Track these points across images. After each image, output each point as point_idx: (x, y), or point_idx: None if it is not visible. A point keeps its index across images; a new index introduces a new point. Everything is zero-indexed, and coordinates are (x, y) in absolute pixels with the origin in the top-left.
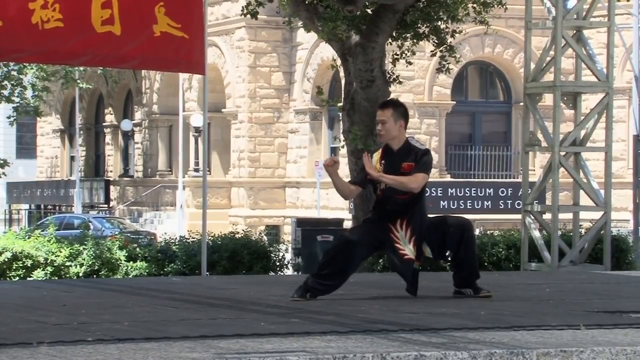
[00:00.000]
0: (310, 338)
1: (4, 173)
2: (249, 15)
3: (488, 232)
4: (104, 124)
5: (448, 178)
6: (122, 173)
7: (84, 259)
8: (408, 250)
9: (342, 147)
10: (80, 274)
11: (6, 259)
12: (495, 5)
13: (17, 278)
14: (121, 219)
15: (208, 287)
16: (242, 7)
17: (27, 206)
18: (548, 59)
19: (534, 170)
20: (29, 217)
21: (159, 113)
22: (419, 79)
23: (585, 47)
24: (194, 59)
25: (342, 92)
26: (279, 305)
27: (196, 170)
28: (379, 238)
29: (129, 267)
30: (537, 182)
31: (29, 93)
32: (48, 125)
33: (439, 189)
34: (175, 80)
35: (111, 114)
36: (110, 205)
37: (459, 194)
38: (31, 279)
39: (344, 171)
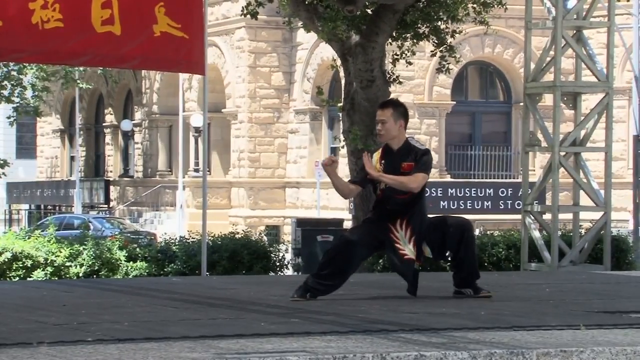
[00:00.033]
0: (310, 338)
1: (4, 173)
2: (249, 15)
3: (488, 232)
4: (104, 124)
5: (448, 178)
6: (122, 173)
7: (84, 259)
8: (408, 250)
9: (342, 147)
10: (80, 274)
11: (6, 259)
12: (495, 5)
13: (17, 278)
14: (121, 219)
15: (208, 287)
16: (242, 7)
17: (27, 206)
18: (548, 59)
19: (534, 170)
20: (29, 217)
21: (159, 113)
22: (419, 79)
23: (585, 47)
24: (194, 59)
25: (342, 92)
26: (279, 305)
27: (196, 170)
28: (379, 238)
29: (129, 267)
30: (537, 182)
31: (29, 93)
32: (48, 125)
33: (439, 189)
34: (175, 80)
35: (111, 114)
36: (110, 206)
37: (459, 194)
38: (31, 279)
39: (344, 171)
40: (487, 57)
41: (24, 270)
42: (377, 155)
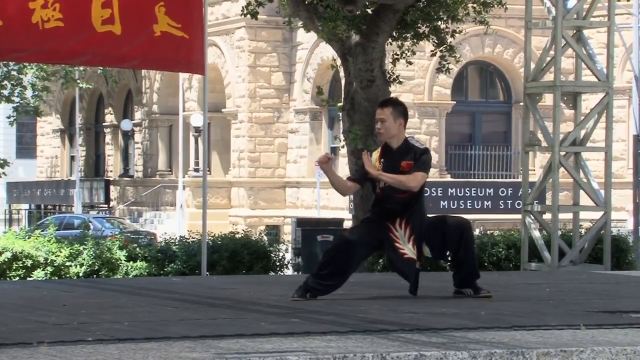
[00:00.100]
0: (310, 338)
1: (4, 173)
2: (249, 15)
3: (488, 232)
4: (104, 123)
5: (448, 178)
6: (122, 173)
7: (84, 259)
8: (407, 249)
9: (342, 147)
10: (80, 274)
11: (6, 259)
12: (495, 5)
13: (17, 278)
14: (121, 219)
15: (208, 287)
16: (242, 7)
17: (27, 206)
18: (548, 59)
19: (534, 170)
20: (29, 217)
21: (159, 113)
22: (419, 79)
23: (585, 47)
24: (194, 59)
25: (342, 92)
26: (279, 305)
27: (196, 170)
28: (378, 238)
29: (129, 267)
30: (537, 182)
31: (29, 93)
32: (48, 125)
33: (439, 189)
34: (175, 80)
35: (111, 114)
36: (110, 205)
37: (459, 194)
38: (31, 279)
39: (345, 171)
40: (487, 57)
41: (24, 270)
42: (376, 154)
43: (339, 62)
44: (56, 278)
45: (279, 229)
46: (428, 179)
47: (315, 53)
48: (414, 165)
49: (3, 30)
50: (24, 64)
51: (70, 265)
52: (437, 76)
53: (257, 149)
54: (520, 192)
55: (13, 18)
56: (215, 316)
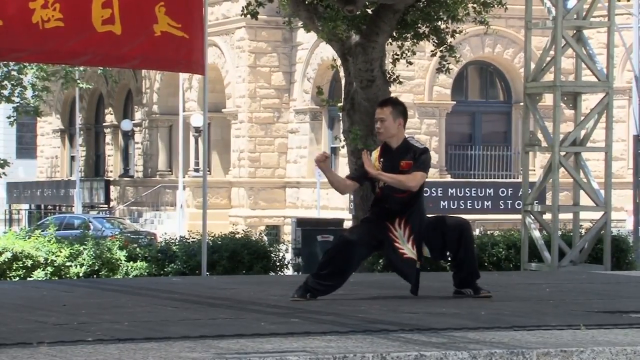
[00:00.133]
0: (310, 338)
1: (4, 173)
2: (249, 15)
3: (488, 232)
4: (104, 124)
5: (448, 178)
6: (122, 173)
7: (84, 259)
8: (407, 249)
9: (342, 147)
10: (81, 274)
11: (6, 259)
12: (495, 5)
13: (17, 278)
14: (121, 219)
15: (208, 287)
16: (242, 7)
17: (27, 206)
18: (548, 59)
19: (534, 170)
20: (29, 217)
21: (159, 113)
22: (419, 79)
23: (585, 47)
24: (194, 59)
25: (342, 92)
26: (279, 305)
27: (196, 170)
28: (378, 238)
29: (129, 267)
30: (537, 182)
31: (29, 93)
32: (48, 125)
33: (439, 189)
34: (176, 80)
35: (111, 114)
36: (111, 206)
37: (459, 194)
38: (31, 279)
39: (345, 171)
40: (487, 57)
41: (24, 270)
42: (376, 154)
43: (339, 62)
44: (56, 278)
45: (279, 229)
46: (428, 179)
47: (315, 53)
48: (413, 165)
49: (3, 30)
50: (24, 64)
51: (71, 266)
52: (437, 76)
53: (257, 149)
54: (520, 192)
55: (13, 18)
56: (215, 316)
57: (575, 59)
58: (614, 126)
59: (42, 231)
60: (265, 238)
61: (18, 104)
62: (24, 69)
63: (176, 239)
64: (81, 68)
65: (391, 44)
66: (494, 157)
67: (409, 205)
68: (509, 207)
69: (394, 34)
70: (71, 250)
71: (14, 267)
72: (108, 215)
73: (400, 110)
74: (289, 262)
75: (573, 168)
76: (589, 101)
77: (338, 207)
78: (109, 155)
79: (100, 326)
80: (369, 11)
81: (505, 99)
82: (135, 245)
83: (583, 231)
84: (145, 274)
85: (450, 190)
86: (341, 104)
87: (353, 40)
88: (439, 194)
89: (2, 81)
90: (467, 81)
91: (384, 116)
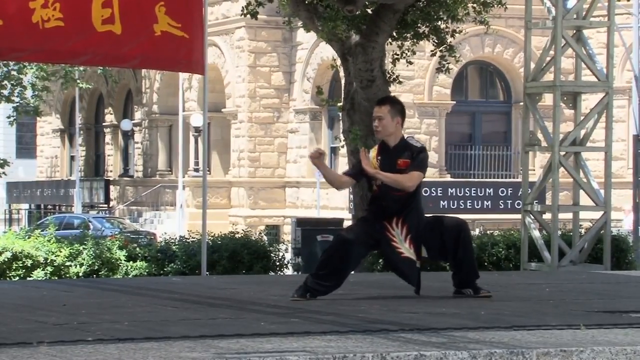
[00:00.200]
0: (310, 338)
1: (4, 173)
2: (249, 15)
3: (488, 232)
4: (104, 123)
5: (448, 178)
6: (122, 173)
7: (84, 259)
8: (404, 248)
9: (342, 147)
10: (80, 274)
11: (6, 259)
12: (495, 5)
13: (17, 278)
14: (121, 219)
15: (208, 287)
16: (242, 7)
17: (27, 206)
18: (548, 58)
19: (534, 170)
20: (29, 217)
21: (159, 113)
22: (419, 78)
23: (585, 46)
24: (194, 59)
25: (342, 92)
26: (279, 305)
27: (196, 170)
28: (375, 237)
29: (129, 267)
30: (537, 182)
31: (28, 93)
32: (48, 125)
33: (439, 189)
34: (175, 80)
35: (111, 114)
36: (110, 205)
37: (459, 194)
38: (31, 278)
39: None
40: (487, 57)
41: (24, 270)
42: (373, 152)
43: (339, 62)
44: (56, 278)
45: (278, 228)
46: (428, 179)
47: (315, 53)
48: (410, 164)
49: (3, 29)
50: (24, 63)
51: (70, 265)
52: (437, 76)
53: (257, 148)
54: (520, 192)
55: (13, 17)
56: (215, 316)
57: (575, 59)
58: (613, 126)
59: (42, 231)
60: (265, 238)
61: (18, 104)
62: (23, 68)
63: (176, 238)
64: (81, 68)
65: (391, 43)
66: (493, 157)
67: (406, 204)
68: (509, 207)
69: (394, 33)
70: (71, 250)
71: (14, 267)
72: (108, 215)
73: (398, 108)
74: (288, 262)
75: (573, 168)
76: (588, 101)
77: (338, 207)
78: (108, 155)
79: (100, 326)
80: (369, 11)
81: (505, 99)
82: (135, 245)
83: (583, 231)
84: (145, 273)
85: (450, 190)
86: (341, 103)
87: (353, 40)
88: (439, 194)
89: (2, 81)
90: (467, 81)
91: (381, 114)
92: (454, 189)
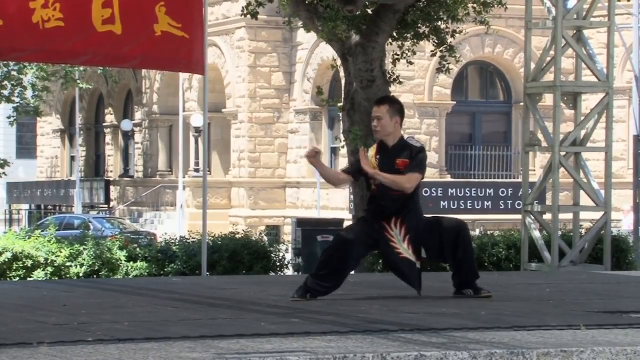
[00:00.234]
0: (310, 338)
1: (4, 173)
2: (249, 15)
3: (488, 232)
4: (104, 124)
5: (448, 178)
6: (122, 173)
7: (84, 259)
8: (402, 249)
9: (342, 147)
10: (81, 274)
11: (6, 259)
12: (495, 5)
13: (17, 278)
14: (121, 219)
15: (208, 287)
16: (242, 7)
17: (27, 206)
18: (548, 58)
19: (534, 170)
20: (29, 217)
21: (159, 113)
22: (419, 78)
23: (585, 47)
24: (194, 59)
25: (342, 92)
26: (279, 305)
27: (196, 170)
28: (374, 237)
29: (129, 267)
30: (537, 182)
31: (29, 93)
32: (48, 125)
33: (439, 189)
34: (175, 80)
35: (111, 114)
36: (110, 205)
37: (459, 194)
38: (31, 279)
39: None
40: (487, 57)
41: (24, 270)
42: (372, 150)
43: (339, 62)
44: (56, 278)
45: (279, 229)
46: (428, 179)
47: (315, 53)
48: (409, 165)
49: (3, 29)
50: (24, 64)
51: (70, 266)
52: (437, 76)
53: (257, 149)
54: (520, 192)
55: (13, 17)
56: (215, 316)
57: (575, 59)
58: (614, 126)
59: (42, 231)
60: (265, 238)
61: (18, 104)
62: (23, 68)
63: (176, 239)
64: (81, 68)
65: (391, 43)
66: (494, 157)
67: (405, 204)
68: (509, 207)
69: (394, 33)
70: (71, 250)
71: (14, 267)
72: (108, 215)
73: (397, 108)
74: (289, 262)
75: (573, 168)
76: (589, 101)
77: (338, 207)
78: (109, 155)
79: (100, 326)
80: (369, 11)
81: (505, 99)
82: (135, 245)
83: (583, 231)
84: (145, 274)
85: (450, 190)
86: (341, 104)
87: (353, 40)
88: (439, 194)
89: (2, 81)
90: (467, 81)
91: (380, 114)
92: (454, 189)
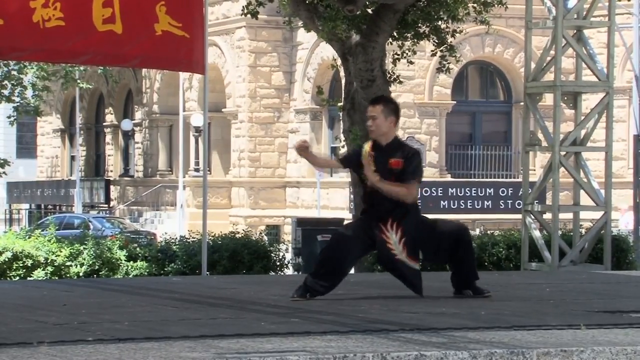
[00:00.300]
0: (311, 338)
1: (4, 173)
2: (249, 15)
3: (488, 232)
4: (104, 123)
5: (448, 178)
6: (122, 173)
7: (84, 259)
8: (398, 251)
9: (343, 146)
10: (81, 274)
11: (6, 259)
12: (496, 5)
13: (18, 278)
14: (121, 219)
15: (208, 287)
16: (243, 6)
17: (27, 206)
18: (548, 58)
19: (534, 170)
20: (29, 217)
21: (159, 113)
22: (419, 78)
23: (586, 46)
24: (194, 59)
25: (342, 91)
26: (279, 305)
27: (196, 170)
28: (371, 236)
29: (129, 267)
30: (537, 182)
31: (29, 93)
32: (48, 125)
33: (439, 189)
34: (176, 80)
35: (111, 114)
36: (111, 205)
37: (459, 194)
38: (31, 278)
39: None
40: (488, 57)
41: (24, 270)
42: (367, 146)
43: (339, 62)
44: (56, 278)
45: (279, 228)
46: (428, 179)
47: (315, 53)
48: (407, 173)
49: (4, 29)
50: (24, 63)
51: (71, 265)
52: (438, 76)
53: (258, 148)
54: (521, 192)
55: (14, 17)
56: (216, 316)
57: (576, 59)
58: (614, 126)
59: (42, 231)
60: (266, 238)
61: (18, 104)
62: (24, 68)
63: (176, 238)
64: (81, 68)
65: (391, 43)
66: (494, 157)
67: (400, 203)
68: (509, 207)
69: (395, 33)
70: (71, 250)
71: (14, 267)
72: (108, 215)
73: (392, 108)
74: (289, 262)
75: (573, 168)
76: (589, 101)
77: (338, 207)
78: (109, 155)
79: (101, 326)
80: (369, 11)
81: (505, 99)
82: (136, 245)
83: (583, 231)
84: (146, 273)
85: (450, 190)
86: (341, 103)
87: (353, 40)
88: (439, 194)
89: (3, 81)
90: (467, 81)
91: (375, 114)
92: (454, 189)
